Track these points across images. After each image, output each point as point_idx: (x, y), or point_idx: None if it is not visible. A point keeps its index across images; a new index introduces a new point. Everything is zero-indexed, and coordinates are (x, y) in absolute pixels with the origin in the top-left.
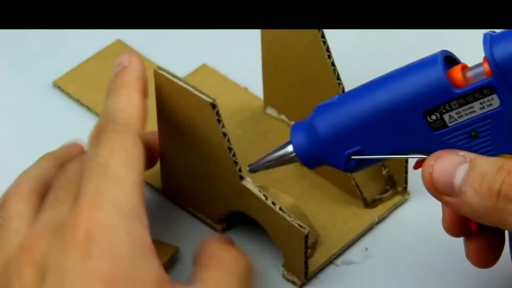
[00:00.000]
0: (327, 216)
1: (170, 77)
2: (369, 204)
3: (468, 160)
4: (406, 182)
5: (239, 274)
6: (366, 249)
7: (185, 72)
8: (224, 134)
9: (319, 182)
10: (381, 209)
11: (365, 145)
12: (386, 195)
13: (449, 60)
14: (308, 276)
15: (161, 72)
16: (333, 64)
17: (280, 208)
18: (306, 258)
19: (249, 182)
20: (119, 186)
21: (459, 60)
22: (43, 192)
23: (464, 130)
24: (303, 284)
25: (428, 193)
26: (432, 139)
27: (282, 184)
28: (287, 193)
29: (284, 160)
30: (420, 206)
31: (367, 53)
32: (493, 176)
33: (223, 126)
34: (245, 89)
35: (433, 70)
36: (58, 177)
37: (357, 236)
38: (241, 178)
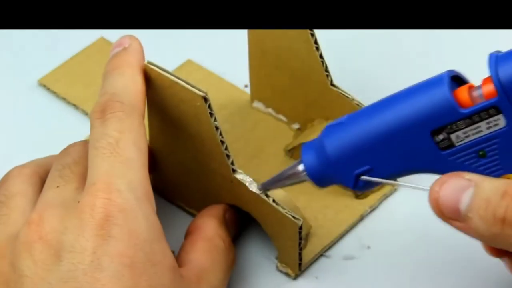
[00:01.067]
0: (318, 208)
1: (160, 71)
2: (360, 194)
3: (473, 184)
4: None
5: (225, 267)
6: (369, 247)
7: (169, 69)
8: (216, 128)
9: None
10: (371, 199)
11: (374, 164)
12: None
13: (457, 79)
14: (301, 267)
15: (152, 66)
16: (321, 56)
17: (273, 200)
18: (300, 249)
19: (242, 175)
20: (131, 168)
21: (466, 79)
22: (46, 178)
23: (472, 149)
24: (297, 275)
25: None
26: (440, 159)
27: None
28: None
29: (295, 179)
30: (410, 195)
31: (361, 53)
32: (498, 202)
33: (215, 120)
34: (233, 85)
35: (439, 90)
36: (61, 157)
37: (349, 227)
38: (234, 171)
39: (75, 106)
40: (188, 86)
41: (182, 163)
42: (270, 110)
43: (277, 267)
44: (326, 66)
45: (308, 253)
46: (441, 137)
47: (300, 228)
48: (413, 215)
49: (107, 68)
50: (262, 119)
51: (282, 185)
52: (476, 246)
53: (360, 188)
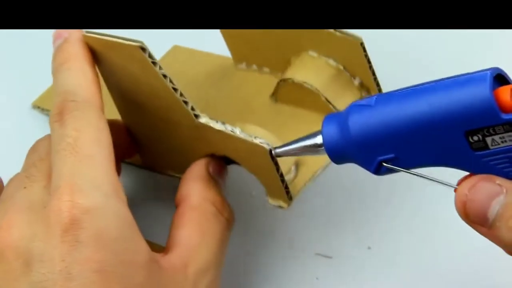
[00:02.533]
0: None
1: (99, 36)
2: None
3: (504, 190)
4: (378, 85)
5: (219, 235)
6: (369, 247)
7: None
8: (164, 76)
9: (295, 112)
10: None
11: (400, 154)
12: None
13: (500, 79)
14: (292, 196)
15: (90, 34)
16: None
17: (240, 132)
18: (282, 176)
19: (205, 118)
20: (93, 165)
21: (510, 79)
22: None
23: (506, 155)
24: (290, 205)
25: None
26: (471, 159)
27: (258, 123)
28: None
29: (310, 151)
30: (410, 196)
31: None
32: None
33: (160, 68)
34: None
35: (479, 90)
36: (29, 155)
37: None
38: (196, 116)
39: None
40: (124, 41)
41: (153, 129)
42: (254, 66)
43: (269, 203)
44: None
45: (299, 182)
46: (475, 138)
47: (271, 152)
48: (414, 215)
49: (53, 64)
50: (247, 77)
51: (295, 154)
52: (476, 247)
53: (381, 174)
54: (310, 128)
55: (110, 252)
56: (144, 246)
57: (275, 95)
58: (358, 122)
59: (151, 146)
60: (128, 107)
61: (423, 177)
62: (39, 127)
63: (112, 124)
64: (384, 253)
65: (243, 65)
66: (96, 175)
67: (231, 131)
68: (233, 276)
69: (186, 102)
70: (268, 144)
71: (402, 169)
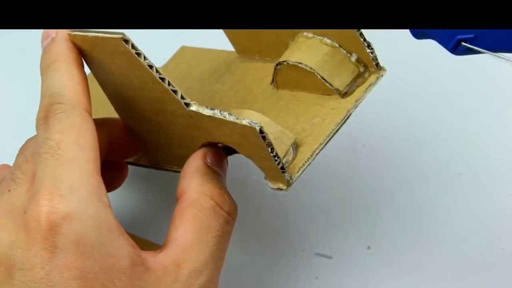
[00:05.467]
0: (306, 120)
1: (82, 33)
2: (345, 93)
3: None
4: (375, 59)
5: (217, 231)
6: (369, 247)
7: (166, 58)
8: (150, 66)
9: (295, 95)
10: (357, 93)
11: (480, 33)
12: (361, 79)
13: None
14: (290, 176)
15: (75, 33)
16: None
17: (229, 115)
18: (276, 156)
19: (195, 105)
20: (73, 168)
21: None
22: None
23: None
24: (289, 186)
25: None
26: None
27: (261, 111)
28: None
29: None
30: (410, 198)
31: None
32: None
33: (145, 58)
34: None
35: None
36: (18, 154)
37: (337, 126)
38: (187, 105)
39: None
40: (106, 35)
41: (150, 123)
42: (256, 56)
43: (268, 187)
44: None
45: (298, 162)
46: None
47: (261, 132)
48: (414, 215)
49: (41, 65)
50: (250, 68)
51: None
52: (475, 247)
53: (458, 53)
54: (311, 110)
55: (90, 258)
56: (126, 250)
57: (275, 81)
58: None
59: (151, 141)
60: (123, 103)
61: (500, 57)
62: None
63: (109, 122)
64: (384, 253)
65: (245, 57)
66: (75, 178)
67: (221, 115)
68: (232, 276)
69: (175, 91)
70: (256, 124)
71: (480, 49)
